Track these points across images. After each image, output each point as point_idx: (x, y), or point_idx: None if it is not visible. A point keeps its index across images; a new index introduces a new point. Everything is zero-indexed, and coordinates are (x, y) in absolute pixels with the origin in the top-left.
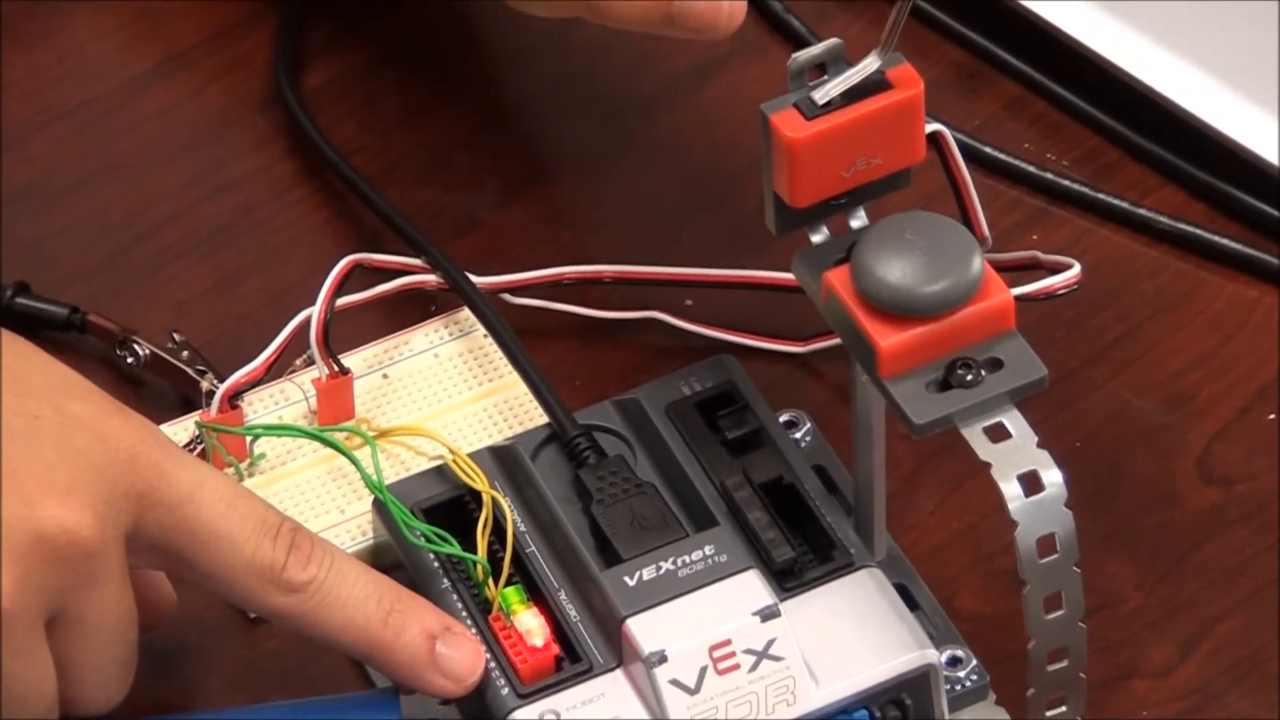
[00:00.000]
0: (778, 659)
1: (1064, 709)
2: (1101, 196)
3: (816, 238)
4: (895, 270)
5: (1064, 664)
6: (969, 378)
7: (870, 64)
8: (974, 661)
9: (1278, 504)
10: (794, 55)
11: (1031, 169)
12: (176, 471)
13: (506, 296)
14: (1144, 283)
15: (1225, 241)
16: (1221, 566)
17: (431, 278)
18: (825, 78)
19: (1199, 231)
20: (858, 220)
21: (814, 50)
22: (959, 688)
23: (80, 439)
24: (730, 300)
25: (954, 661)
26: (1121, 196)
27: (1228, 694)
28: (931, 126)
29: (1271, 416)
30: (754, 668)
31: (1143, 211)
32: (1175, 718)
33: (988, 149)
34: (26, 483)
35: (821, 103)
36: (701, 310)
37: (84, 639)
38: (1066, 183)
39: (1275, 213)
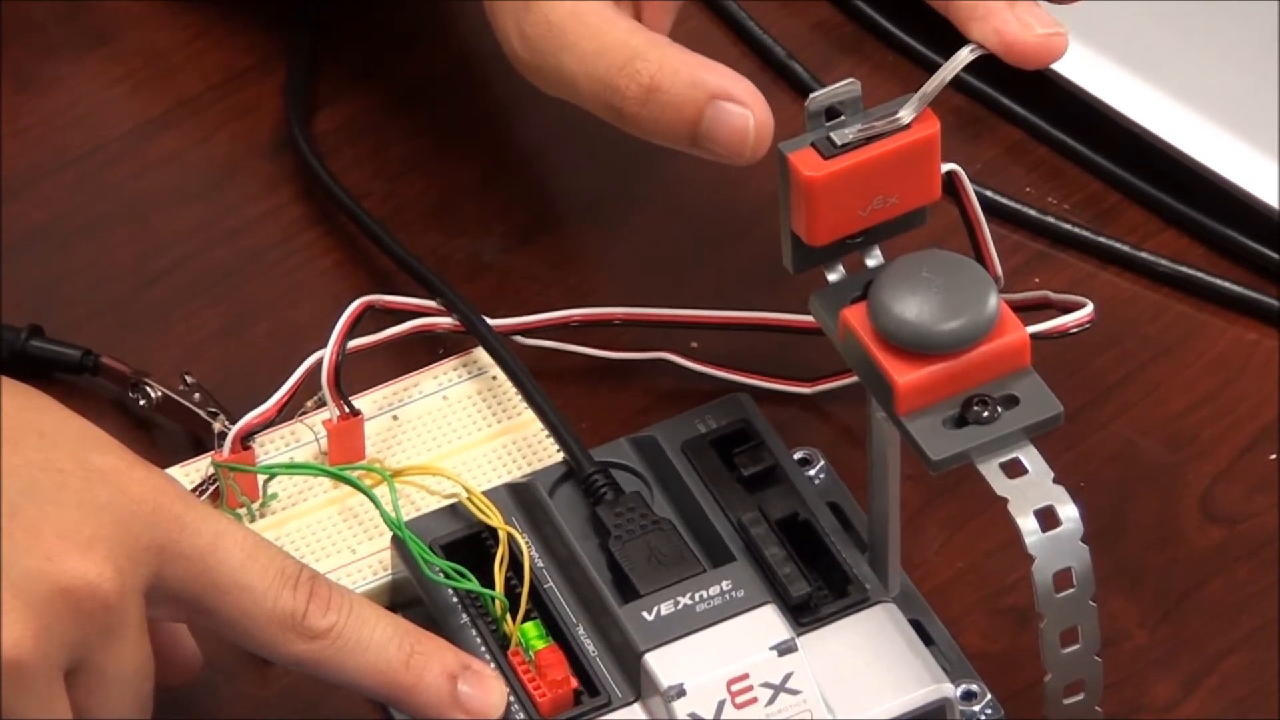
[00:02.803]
0: (795, 693)
1: None
2: (1103, 240)
3: (833, 276)
4: (912, 308)
5: (1080, 697)
6: (985, 414)
7: (901, 118)
8: (989, 695)
9: (1279, 542)
10: (812, 95)
11: (1033, 213)
12: (197, 524)
13: (516, 338)
14: (1146, 325)
15: (1226, 284)
16: (1224, 604)
17: (442, 320)
18: (843, 118)
19: (1200, 275)
20: (873, 259)
21: (831, 90)
22: None
23: (103, 493)
24: (738, 341)
25: (969, 696)
26: (1123, 240)
27: None
28: (947, 166)
29: (1273, 456)
30: (771, 701)
31: (1144, 255)
32: None
33: (990, 193)
34: (49, 536)
35: (840, 144)
36: (709, 352)
37: (103, 690)
38: (1068, 227)
39: (1275, 256)
